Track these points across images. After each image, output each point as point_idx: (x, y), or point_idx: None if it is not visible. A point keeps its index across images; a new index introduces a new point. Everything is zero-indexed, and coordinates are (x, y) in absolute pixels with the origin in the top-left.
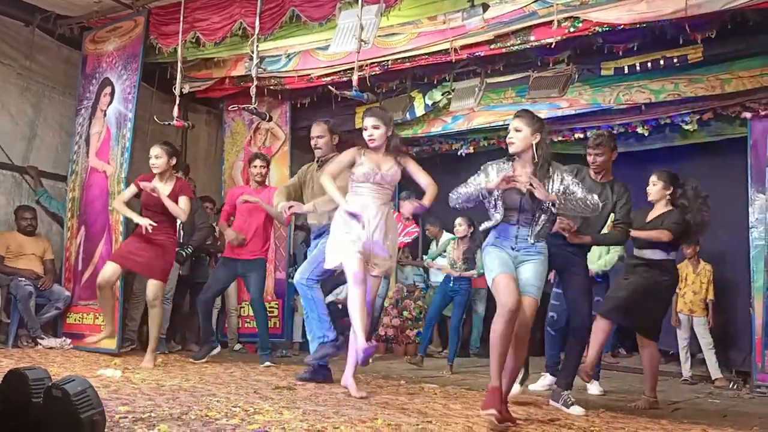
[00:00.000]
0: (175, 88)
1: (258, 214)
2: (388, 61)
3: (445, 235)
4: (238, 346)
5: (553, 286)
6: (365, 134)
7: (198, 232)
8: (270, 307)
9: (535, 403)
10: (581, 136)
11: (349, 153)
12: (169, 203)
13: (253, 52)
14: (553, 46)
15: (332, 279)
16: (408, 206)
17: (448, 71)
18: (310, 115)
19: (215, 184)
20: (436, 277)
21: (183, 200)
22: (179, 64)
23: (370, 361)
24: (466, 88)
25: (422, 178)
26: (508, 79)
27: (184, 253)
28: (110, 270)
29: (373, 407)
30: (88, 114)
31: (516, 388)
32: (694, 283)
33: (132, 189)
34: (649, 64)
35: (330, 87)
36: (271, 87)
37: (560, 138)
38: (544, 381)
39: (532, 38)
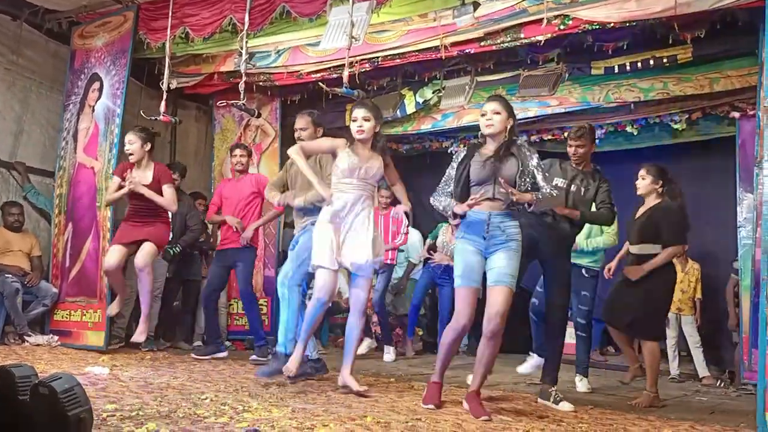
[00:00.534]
0: (162, 84)
1: (246, 205)
2: (378, 57)
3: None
4: (227, 344)
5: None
6: (354, 126)
7: (190, 233)
8: (259, 305)
9: (524, 400)
10: None
11: (333, 141)
12: (154, 197)
13: (242, 48)
14: (542, 44)
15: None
16: (399, 210)
17: (438, 69)
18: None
19: (205, 181)
20: (411, 254)
21: (168, 191)
22: (167, 60)
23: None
24: (457, 86)
25: (394, 177)
26: (498, 77)
27: (171, 252)
28: (114, 253)
29: (363, 405)
30: (76, 109)
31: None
32: (682, 281)
33: (116, 181)
34: (639, 64)
35: (321, 84)
36: (261, 83)
37: (550, 136)
38: (531, 361)
39: (522, 36)
